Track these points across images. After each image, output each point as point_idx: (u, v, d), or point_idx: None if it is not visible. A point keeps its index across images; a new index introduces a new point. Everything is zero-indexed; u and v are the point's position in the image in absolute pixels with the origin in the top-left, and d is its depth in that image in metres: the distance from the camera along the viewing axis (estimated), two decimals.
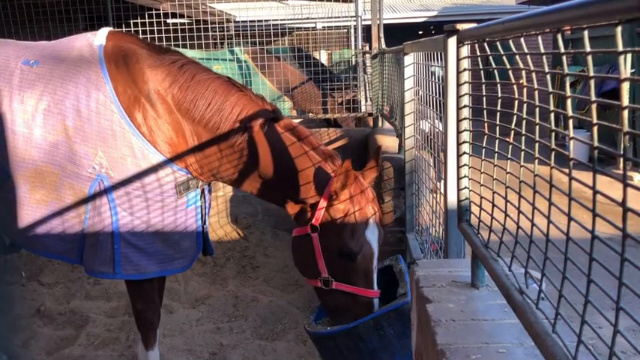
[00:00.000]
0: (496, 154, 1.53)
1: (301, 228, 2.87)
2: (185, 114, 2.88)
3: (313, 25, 11.21)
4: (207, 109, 2.86)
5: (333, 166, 2.86)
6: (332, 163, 2.89)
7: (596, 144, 0.92)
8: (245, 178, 2.95)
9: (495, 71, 1.53)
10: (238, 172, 2.94)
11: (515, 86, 1.36)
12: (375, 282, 2.87)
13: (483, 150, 1.61)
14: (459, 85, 1.78)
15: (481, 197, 1.64)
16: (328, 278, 2.83)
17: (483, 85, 1.66)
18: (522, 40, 1.27)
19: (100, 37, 2.99)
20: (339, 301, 2.86)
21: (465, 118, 1.77)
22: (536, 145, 1.23)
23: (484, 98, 1.65)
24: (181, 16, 8.05)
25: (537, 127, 1.23)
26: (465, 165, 1.78)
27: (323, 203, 2.78)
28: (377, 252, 2.86)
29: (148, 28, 6.82)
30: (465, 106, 1.76)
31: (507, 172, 1.42)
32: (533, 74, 1.25)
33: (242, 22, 7.96)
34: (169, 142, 2.88)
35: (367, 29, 7.32)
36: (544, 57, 1.15)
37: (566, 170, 1.03)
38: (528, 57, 1.26)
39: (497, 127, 1.52)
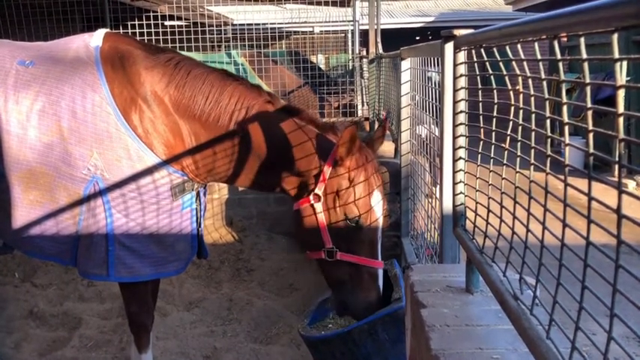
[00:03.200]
0: (492, 160, 1.53)
1: (303, 199, 2.83)
2: (184, 112, 2.87)
3: (311, 29, 11.22)
4: (206, 102, 2.85)
5: (335, 136, 2.84)
6: (334, 133, 2.88)
7: (591, 151, 0.92)
8: (242, 168, 2.90)
9: (492, 77, 1.54)
10: (235, 163, 2.89)
11: (511, 92, 1.36)
12: (380, 252, 2.83)
13: (479, 155, 1.61)
14: (455, 90, 1.78)
15: (476, 203, 1.64)
16: (332, 249, 2.78)
17: (480, 91, 1.67)
18: (519, 46, 1.28)
19: (96, 38, 2.98)
20: (343, 272, 2.82)
21: (461, 124, 1.77)
22: (532, 151, 1.23)
23: (480, 104, 1.65)
24: (179, 18, 8.05)
25: (533, 133, 1.23)
26: (460, 170, 1.79)
27: (327, 170, 2.75)
28: (382, 221, 2.82)
29: (145, 30, 6.83)
30: (461, 112, 1.77)
31: (503, 178, 1.42)
32: (530, 80, 1.25)
33: (239, 25, 7.97)
34: (166, 144, 2.87)
35: (364, 34, 7.35)
36: (540, 63, 1.16)
37: (562, 176, 1.03)
38: (525, 63, 1.27)
39: (494, 133, 1.53)
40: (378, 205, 2.80)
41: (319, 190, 2.75)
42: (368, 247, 2.79)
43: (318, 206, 2.77)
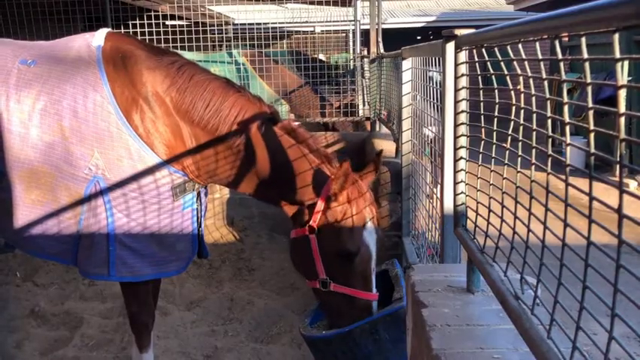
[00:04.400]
0: (493, 160, 1.53)
1: (299, 229, 2.87)
2: (184, 116, 2.87)
3: (312, 28, 11.24)
4: (206, 110, 2.86)
5: (331, 168, 2.87)
6: (330, 164, 2.90)
7: (592, 151, 0.92)
8: (242, 180, 2.95)
9: (493, 77, 1.54)
10: (235, 173, 2.93)
11: (512, 92, 1.36)
12: (374, 284, 2.87)
13: (480, 155, 1.61)
14: (456, 90, 1.78)
15: (477, 202, 1.64)
16: (326, 280, 2.82)
17: (481, 91, 1.67)
18: (520, 46, 1.28)
19: (98, 38, 2.98)
20: (337, 303, 2.86)
21: (462, 123, 1.77)
22: (533, 151, 1.23)
23: (482, 104, 1.65)
24: (180, 18, 8.05)
25: (534, 133, 1.23)
26: (461, 170, 1.79)
27: (321, 205, 2.78)
28: (375, 254, 2.85)
29: (146, 30, 6.82)
30: (462, 112, 1.77)
31: (504, 178, 1.42)
32: (531, 80, 1.25)
33: (241, 24, 7.97)
34: (167, 144, 2.87)
35: (366, 33, 7.34)
36: (542, 63, 1.16)
37: (563, 176, 1.03)
38: (526, 63, 1.27)
39: (495, 133, 1.53)
40: (370, 238, 2.82)
41: (313, 223, 2.79)
42: (361, 279, 2.82)
43: (313, 238, 2.80)
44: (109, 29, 3.12)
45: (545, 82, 1.14)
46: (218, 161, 2.91)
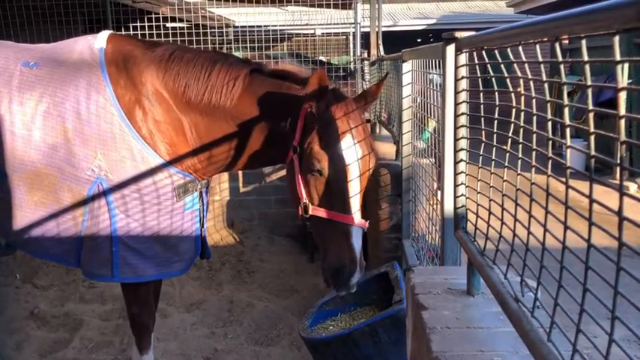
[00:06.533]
0: (493, 162, 1.53)
1: (289, 154, 2.74)
2: (181, 99, 2.86)
3: (312, 31, 11.25)
4: (199, 84, 2.84)
5: None
6: None
7: (593, 153, 0.92)
8: (246, 145, 2.88)
9: (493, 79, 1.54)
10: (236, 141, 2.87)
11: (512, 94, 1.36)
12: (356, 207, 2.62)
13: (480, 157, 1.61)
14: (456, 92, 1.78)
15: (478, 205, 1.64)
16: (306, 203, 2.66)
17: (481, 93, 1.67)
18: (520, 48, 1.28)
19: (100, 40, 2.99)
20: (318, 229, 2.69)
21: (462, 126, 1.77)
22: (533, 153, 1.23)
23: (482, 106, 1.65)
24: (181, 20, 8.06)
25: (534, 135, 1.23)
26: (462, 172, 1.79)
27: (301, 121, 2.67)
28: (356, 173, 2.61)
29: (147, 32, 6.84)
30: (462, 114, 1.77)
31: (504, 180, 1.42)
32: (531, 82, 1.25)
33: (241, 27, 7.98)
34: (169, 143, 2.87)
35: (366, 36, 7.35)
36: (542, 65, 1.16)
37: (563, 179, 1.03)
38: (526, 65, 1.27)
39: (495, 135, 1.53)
40: (348, 153, 2.60)
41: (295, 141, 2.67)
42: (339, 201, 2.60)
43: (295, 158, 2.67)
44: (111, 31, 3.13)
45: (546, 85, 1.14)
46: (220, 141, 2.88)
